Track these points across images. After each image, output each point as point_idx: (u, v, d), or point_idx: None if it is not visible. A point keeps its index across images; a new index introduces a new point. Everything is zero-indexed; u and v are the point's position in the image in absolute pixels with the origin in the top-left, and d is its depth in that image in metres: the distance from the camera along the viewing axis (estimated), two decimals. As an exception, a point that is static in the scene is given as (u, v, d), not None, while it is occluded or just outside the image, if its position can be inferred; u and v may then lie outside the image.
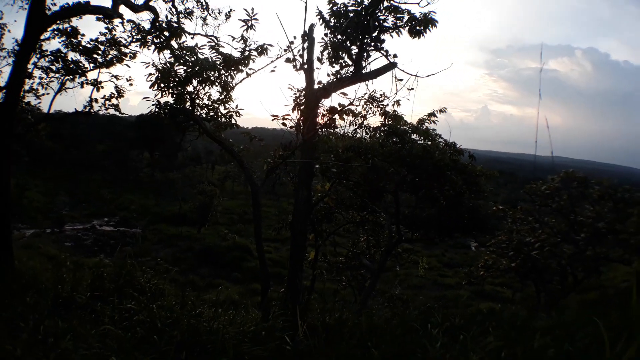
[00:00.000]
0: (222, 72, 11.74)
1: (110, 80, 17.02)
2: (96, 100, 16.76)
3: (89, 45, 16.30)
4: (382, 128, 15.04)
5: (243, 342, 5.79)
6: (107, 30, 16.04)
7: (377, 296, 23.92)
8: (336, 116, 12.01)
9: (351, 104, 11.29)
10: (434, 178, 14.65)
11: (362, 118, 15.32)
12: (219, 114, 12.17)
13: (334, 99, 11.28)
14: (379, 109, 15.31)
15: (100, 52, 16.36)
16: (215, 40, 12.67)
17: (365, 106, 15.33)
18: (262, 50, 11.61)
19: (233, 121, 12.22)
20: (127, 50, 16.28)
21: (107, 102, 16.81)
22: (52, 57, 16.38)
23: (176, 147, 64.18)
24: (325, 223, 18.27)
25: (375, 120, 15.66)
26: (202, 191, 46.96)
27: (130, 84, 16.55)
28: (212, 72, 11.58)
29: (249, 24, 11.39)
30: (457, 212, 15.97)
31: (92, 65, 16.59)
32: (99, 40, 16.22)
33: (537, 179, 20.63)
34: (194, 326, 6.00)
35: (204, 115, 12.09)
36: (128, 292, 7.85)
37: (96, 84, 16.82)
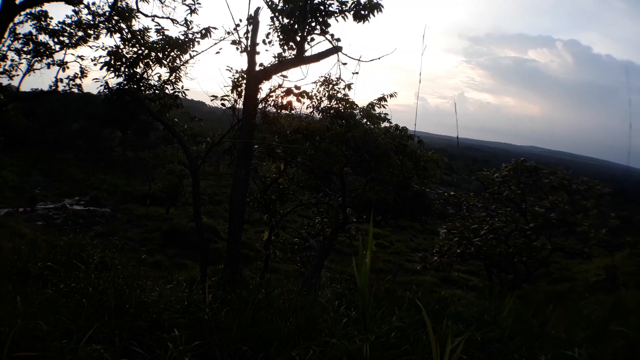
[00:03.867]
0: (167, 53, 11.95)
1: (75, 61, 17.41)
2: (61, 80, 17.12)
3: (57, 28, 16.72)
4: (330, 111, 15.25)
5: (166, 310, 6.03)
6: (73, 13, 16.27)
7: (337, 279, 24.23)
8: (293, 98, 12.29)
9: (297, 88, 11.62)
10: (379, 160, 14.83)
11: (318, 100, 15.61)
12: (165, 94, 12.40)
13: (278, 81, 11.56)
14: (334, 91, 15.62)
15: (67, 34, 16.72)
16: (173, 22, 13.00)
17: (319, 89, 15.67)
18: (206, 33, 11.85)
19: (178, 102, 12.47)
20: (91, 32, 16.51)
21: (71, 82, 17.09)
22: (24, 40, 16.96)
23: (147, 126, 63.93)
24: (279, 204, 18.50)
25: (326, 103, 15.92)
26: (172, 171, 46.66)
27: (95, 64, 16.94)
28: (158, 54, 11.80)
29: (192, 8, 11.69)
30: (403, 196, 16.23)
31: (58, 46, 17.05)
32: (66, 22, 16.53)
33: None
34: (126, 294, 6.25)
35: (151, 96, 12.32)
36: (76, 265, 8.15)
37: (62, 65, 17.32)
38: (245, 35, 10.75)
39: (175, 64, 12.08)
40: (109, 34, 13.27)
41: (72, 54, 17.13)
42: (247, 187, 10.68)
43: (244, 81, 11.16)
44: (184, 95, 12.44)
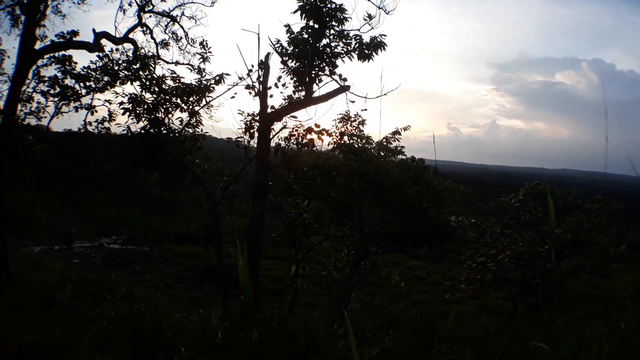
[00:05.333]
0: (184, 99, 12.61)
1: (103, 105, 17.57)
2: (90, 124, 17.50)
3: (82, 72, 17.01)
4: (342, 148, 15.76)
5: (181, 334, 6.53)
6: (98, 59, 16.77)
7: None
8: (315, 135, 12.85)
9: (317, 126, 12.18)
10: (393, 192, 15.20)
11: (337, 137, 16.14)
12: (185, 137, 13.03)
13: (294, 122, 12.15)
14: (352, 127, 16.14)
15: (92, 78, 17.02)
16: (191, 67, 13.74)
17: (337, 125, 16.21)
18: (220, 79, 12.51)
19: (198, 144, 13.10)
20: (116, 77, 16.99)
21: (99, 125, 17.37)
22: (50, 82, 17.13)
23: (184, 168, 64.39)
24: (305, 238, 18.88)
25: (346, 139, 16.38)
26: (209, 210, 46.37)
27: (117, 110, 17.29)
28: (177, 100, 12.47)
29: (205, 57, 12.39)
30: (420, 226, 16.48)
31: (84, 91, 17.31)
32: (91, 67, 16.88)
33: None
34: (147, 321, 6.78)
35: (172, 139, 12.96)
36: (103, 295, 8.76)
37: (90, 108, 17.51)
38: (258, 80, 11.35)
39: (194, 108, 12.72)
40: (128, 82, 13.90)
41: (99, 99, 17.48)
42: (262, 222, 11.18)
43: (256, 123, 11.78)
44: (203, 138, 13.07)
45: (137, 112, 12.43)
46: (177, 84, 12.61)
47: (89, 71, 16.91)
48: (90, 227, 51.15)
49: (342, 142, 15.88)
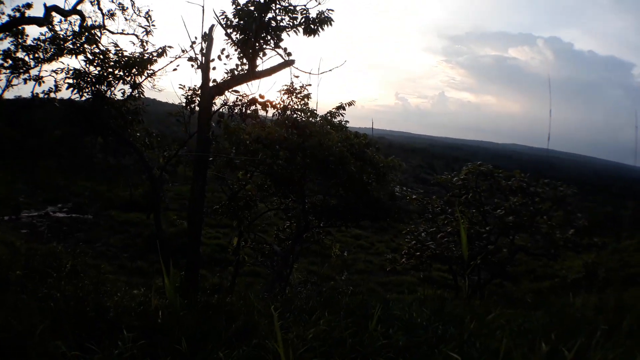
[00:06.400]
0: (127, 72, 12.48)
1: (50, 75, 17.60)
2: (37, 95, 17.44)
3: (33, 44, 17.39)
4: (286, 122, 15.79)
5: (125, 314, 6.53)
6: (48, 30, 16.97)
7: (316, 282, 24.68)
8: (259, 107, 12.79)
9: (262, 97, 12.12)
10: (336, 167, 15.31)
11: (283, 110, 16.13)
12: (126, 109, 12.94)
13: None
14: (299, 100, 16.14)
15: (41, 50, 17.33)
16: (136, 37, 13.60)
17: (283, 97, 16.21)
18: (162, 52, 12.40)
19: (139, 118, 13.02)
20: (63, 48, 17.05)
21: (46, 96, 17.30)
22: (3, 55, 17.54)
23: (123, 141, 63.69)
24: (247, 210, 18.90)
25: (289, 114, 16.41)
26: (152, 177, 46.10)
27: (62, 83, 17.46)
28: (119, 72, 12.33)
29: (148, 29, 12.26)
30: (362, 201, 16.67)
31: (33, 62, 17.62)
32: (41, 39, 17.27)
33: (494, 167, 21.01)
34: (91, 300, 6.78)
35: (113, 114, 12.86)
36: (50, 273, 8.80)
37: (38, 79, 17.86)
38: (201, 52, 11.24)
39: (136, 80, 12.62)
40: (72, 56, 13.87)
41: (46, 70, 17.58)
42: (204, 197, 11.16)
43: (198, 97, 11.69)
44: (143, 111, 12.99)
45: (81, 85, 12.30)
46: (119, 57, 12.54)
47: (39, 42, 17.30)
48: (38, 195, 50.62)
49: (286, 116, 15.89)
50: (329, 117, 17.25)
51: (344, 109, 17.25)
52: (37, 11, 17.52)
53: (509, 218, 18.52)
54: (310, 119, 16.53)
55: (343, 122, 17.34)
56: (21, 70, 17.71)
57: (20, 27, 17.59)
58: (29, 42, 17.62)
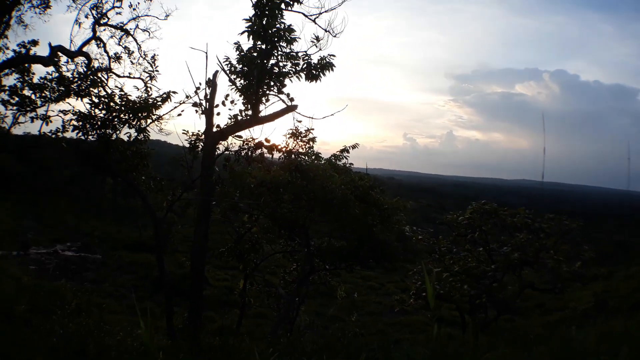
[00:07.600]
0: (132, 116, 12.63)
1: (57, 115, 17.71)
2: (45, 134, 17.19)
3: (39, 82, 17.11)
4: (290, 166, 15.86)
5: (125, 354, 6.57)
6: (54, 70, 17.03)
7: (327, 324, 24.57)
8: (264, 150, 12.89)
9: (267, 141, 12.22)
10: (339, 210, 15.33)
11: (288, 153, 16.20)
12: (133, 153, 13.06)
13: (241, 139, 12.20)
14: (304, 143, 16.22)
15: (48, 88, 17.06)
16: (142, 81, 13.78)
17: (288, 141, 16.29)
18: (167, 97, 12.54)
19: (145, 162, 13.14)
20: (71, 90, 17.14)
21: (54, 135, 17.30)
22: (10, 92, 17.39)
23: (127, 184, 63.69)
24: (253, 253, 18.84)
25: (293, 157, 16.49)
26: (156, 219, 46.04)
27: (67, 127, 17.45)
28: (125, 116, 12.49)
29: (152, 75, 12.43)
30: (368, 244, 16.60)
31: (40, 101, 17.40)
32: (47, 78, 16.99)
33: (502, 203, 21.03)
34: (94, 339, 6.82)
35: (117, 157, 12.98)
36: (54, 310, 8.83)
37: (45, 118, 17.59)
38: (205, 98, 11.38)
39: (141, 125, 12.76)
40: (78, 98, 13.97)
41: (53, 110, 17.62)
42: (207, 241, 11.21)
43: (201, 142, 11.81)
44: (149, 155, 13.12)
45: (86, 128, 12.46)
46: (124, 101, 12.67)
47: (45, 81, 17.03)
48: (47, 233, 50.65)
49: (290, 160, 15.95)
50: (333, 160, 17.34)
51: (347, 151, 17.37)
52: (43, 48, 17.56)
53: (515, 255, 18.42)
54: (315, 162, 16.61)
55: (347, 165, 17.45)
56: (28, 109, 17.62)
57: (26, 65, 17.59)
58: (35, 80, 17.55)
